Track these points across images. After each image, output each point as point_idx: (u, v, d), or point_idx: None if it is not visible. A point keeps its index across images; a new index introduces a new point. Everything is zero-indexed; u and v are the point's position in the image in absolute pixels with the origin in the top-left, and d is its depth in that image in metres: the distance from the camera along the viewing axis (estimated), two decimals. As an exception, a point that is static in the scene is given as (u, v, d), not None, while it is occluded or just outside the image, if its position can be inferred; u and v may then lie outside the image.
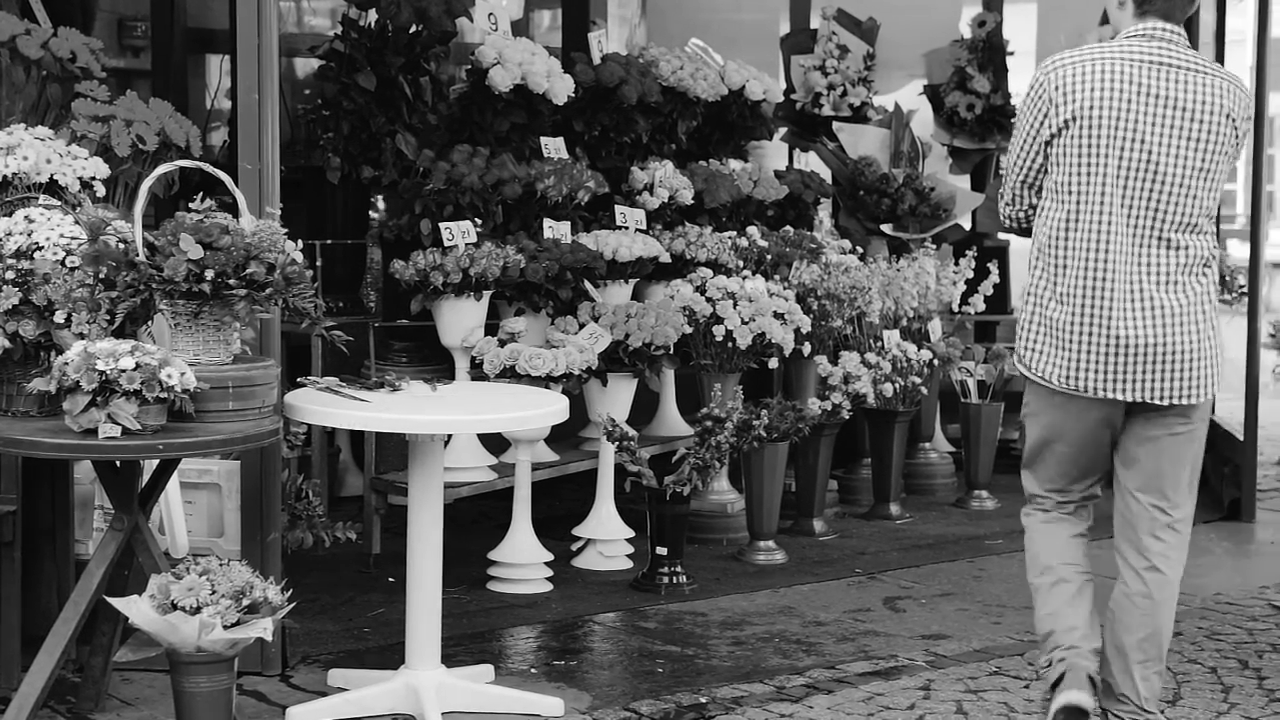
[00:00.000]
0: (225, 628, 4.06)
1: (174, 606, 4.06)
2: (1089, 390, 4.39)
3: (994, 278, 8.00)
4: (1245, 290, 8.09)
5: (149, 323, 4.51)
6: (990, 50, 8.79)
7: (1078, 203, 4.37)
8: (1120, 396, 4.38)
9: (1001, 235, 8.79)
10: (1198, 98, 4.35)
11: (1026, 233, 4.60)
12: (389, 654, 5.19)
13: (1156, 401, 4.38)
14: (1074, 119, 4.36)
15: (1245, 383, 7.79)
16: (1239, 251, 9.33)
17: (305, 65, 8.36)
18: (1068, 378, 4.41)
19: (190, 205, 4.44)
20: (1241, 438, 7.80)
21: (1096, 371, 4.38)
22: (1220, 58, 9.01)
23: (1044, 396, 4.51)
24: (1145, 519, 4.52)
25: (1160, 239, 4.35)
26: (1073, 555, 4.58)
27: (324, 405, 4.66)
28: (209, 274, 4.24)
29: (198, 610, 4.05)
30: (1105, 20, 8.65)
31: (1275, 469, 9.06)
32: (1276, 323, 8.19)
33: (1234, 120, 4.39)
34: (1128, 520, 4.54)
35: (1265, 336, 7.99)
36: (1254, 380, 7.77)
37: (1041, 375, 4.46)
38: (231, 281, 4.26)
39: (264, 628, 4.12)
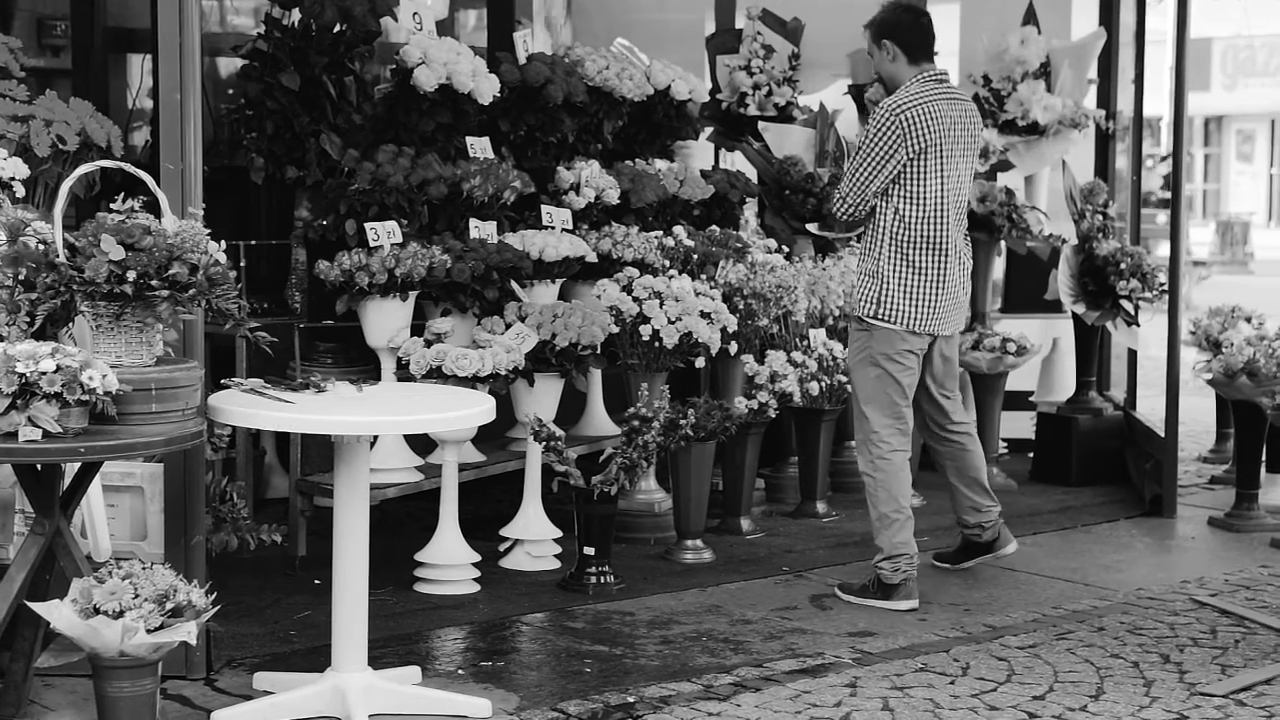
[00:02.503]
0: (148, 632, 4.03)
1: (96, 611, 4.03)
2: (933, 329, 6.15)
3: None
4: (1165, 288, 8.18)
5: (70, 325, 4.47)
6: (914, 50, 8.82)
7: (925, 204, 6.08)
8: (947, 331, 6.23)
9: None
10: (968, 118, 6.21)
11: (856, 225, 6.46)
12: (315, 656, 5.16)
13: (958, 331, 6.39)
14: (924, 148, 6.03)
15: (1166, 380, 7.86)
16: (1159, 250, 9.43)
17: (228, 65, 8.30)
18: (922, 322, 6.11)
19: (111, 206, 4.41)
20: (1163, 434, 7.88)
21: (936, 316, 6.14)
22: (1140, 58, 9.11)
23: (892, 339, 6.10)
24: (952, 405, 6.43)
25: (960, 222, 6.22)
26: (910, 492, 6.26)
27: (248, 407, 4.63)
28: (131, 275, 4.20)
29: (120, 614, 4.02)
30: (1026, 21, 8.77)
31: (1196, 465, 9.16)
32: (1196, 320, 8.26)
33: (980, 129, 6.34)
34: (942, 409, 6.42)
35: (1185, 334, 8.06)
36: (1174, 377, 7.84)
37: (900, 323, 6.08)
38: (154, 283, 4.23)
39: (188, 631, 4.09)
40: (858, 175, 6.10)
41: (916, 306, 6.10)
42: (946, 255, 6.12)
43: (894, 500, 6.14)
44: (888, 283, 6.10)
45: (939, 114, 6.05)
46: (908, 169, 6.05)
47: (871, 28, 6.25)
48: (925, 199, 6.07)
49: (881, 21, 6.22)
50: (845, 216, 6.24)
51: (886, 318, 6.11)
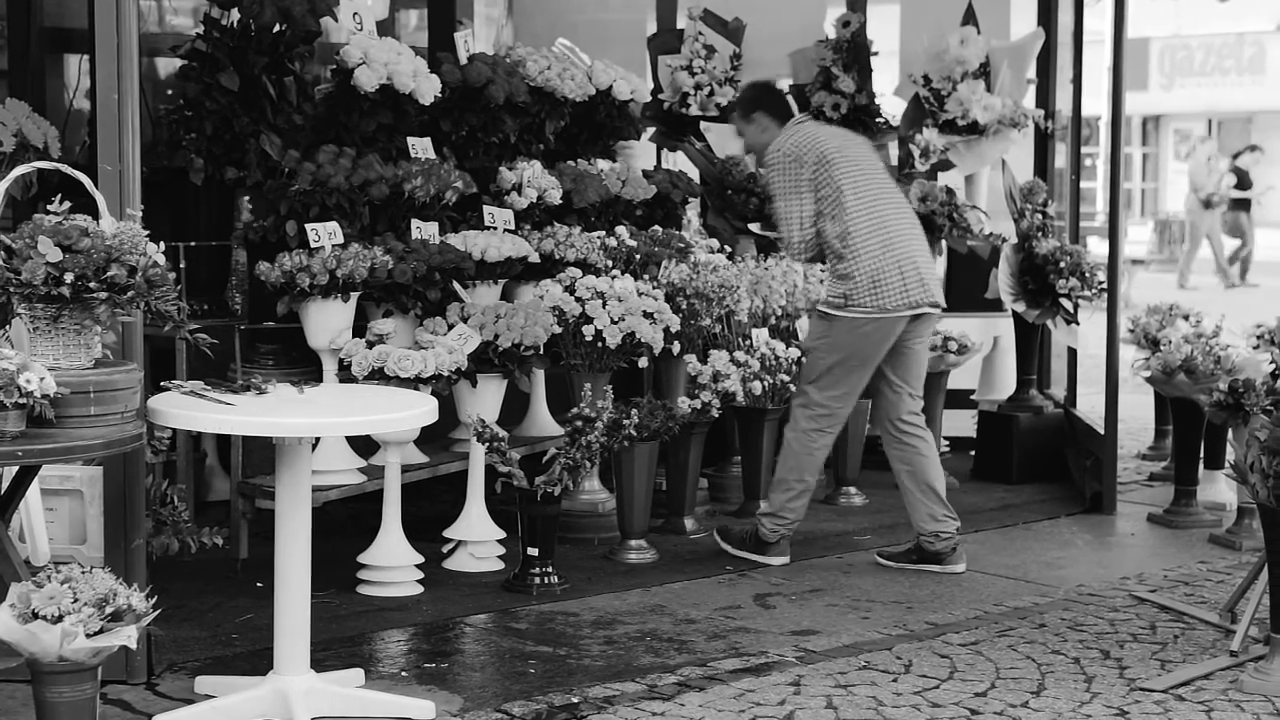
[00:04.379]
0: (88, 636, 3.99)
1: (35, 615, 3.99)
2: (905, 300, 6.40)
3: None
4: (1104, 287, 8.23)
5: (7, 327, 4.43)
6: (855, 50, 8.86)
7: (852, 207, 6.43)
8: (921, 298, 6.44)
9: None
10: (848, 132, 6.86)
11: (819, 259, 6.66)
12: (257, 660, 5.14)
13: (935, 310, 6.58)
14: (821, 157, 6.44)
15: (1105, 377, 7.92)
16: (1098, 248, 9.48)
17: (167, 65, 8.23)
18: (888, 300, 6.36)
19: (49, 207, 4.37)
20: (1102, 432, 7.93)
21: (903, 293, 6.40)
22: (1078, 58, 9.17)
23: (853, 329, 6.38)
24: (910, 402, 6.62)
25: (899, 207, 6.62)
26: (818, 472, 6.66)
27: (189, 409, 4.60)
28: (68, 277, 4.17)
29: (59, 619, 3.98)
30: (966, 21, 8.82)
31: (1135, 462, 9.23)
32: (1135, 318, 8.32)
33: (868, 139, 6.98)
34: (903, 405, 6.60)
35: (1124, 332, 8.12)
36: (1114, 375, 7.90)
37: (864, 309, 6.36)
38: (92, 284, 4.20)
39: (128, 635, 4.06)
40: (789, 218, 6.52)
41: (879, 291, 6.39)
42: (895, 238, 6.45)
43: (800, 471, 6.55)
44: (855, 279, 6.42)
45: (815, 131, 6.60)
46: (821, 188, 6.45)
47: (740, 107, 6.83)
48: (849, 203, 6.43)
49: (747, 99, 6.83)
50: (803, 258, 6.66)
51: (854, 302, 6.42)
